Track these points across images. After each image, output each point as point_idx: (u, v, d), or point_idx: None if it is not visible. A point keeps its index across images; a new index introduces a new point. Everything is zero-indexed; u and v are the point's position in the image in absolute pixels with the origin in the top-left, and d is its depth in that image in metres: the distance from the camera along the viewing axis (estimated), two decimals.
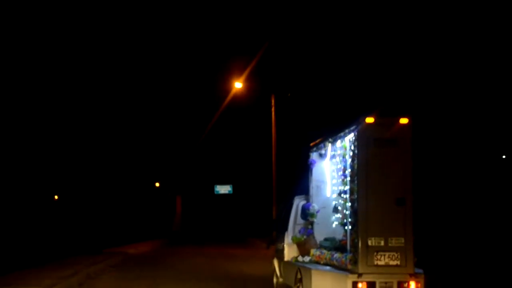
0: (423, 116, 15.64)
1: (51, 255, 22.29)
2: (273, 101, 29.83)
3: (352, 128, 9.66)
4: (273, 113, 29.60)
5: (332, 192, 11.66)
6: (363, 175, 9.28)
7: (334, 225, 11.29)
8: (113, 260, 21.55)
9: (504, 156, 25.12)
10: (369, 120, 9.32)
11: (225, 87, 31.37)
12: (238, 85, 29.03)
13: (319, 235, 11.70)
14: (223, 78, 32.22)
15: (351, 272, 9.20)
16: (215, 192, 49.35)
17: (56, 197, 59.76)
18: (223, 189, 48.99)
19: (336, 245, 10.84)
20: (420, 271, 9.39)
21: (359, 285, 9.07)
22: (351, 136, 9.78)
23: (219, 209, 64.15)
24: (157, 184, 62.25)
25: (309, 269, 9.97)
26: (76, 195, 50.68)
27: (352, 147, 9.61)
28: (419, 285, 9.13)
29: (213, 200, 61.50)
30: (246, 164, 52.53)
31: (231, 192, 49.45)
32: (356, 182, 9.39)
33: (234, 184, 50.15)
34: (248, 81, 28.56)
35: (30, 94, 37.75)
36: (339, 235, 11.04)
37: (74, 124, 42.73)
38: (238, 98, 31.42)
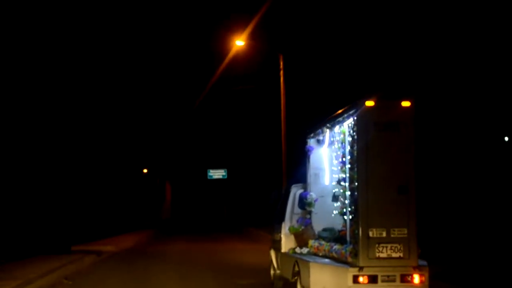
0: (426, 98, 15.06)
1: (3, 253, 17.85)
2: (281, 63, 24.60)
3: (351, 112, 9.08)
4: (281, 78, 24.35)
5: (331, 180, 11.13)
6: (363, 161, 8.72)
7: (333, 215, 10.73)
8: (75, 265, 16.32)
9: (506, 138, 24.56)
10: (369, 103, 8.74)
11: (222, 51, 27.31)
12: (239, 43, 24.48)
13: (318, 225, 11.17)
14: (219, 42, 28.51)
15: (352, 265, 8.67)
16: (208, 177, 45.96)
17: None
18: (217, 173, 45.72)
19: (335, 236, 10.32)
20: (424, 263, 8.86)
21: (360, 279, 8.55)
22: (350, 121, 9.20)
23: (212, 195, 58.70)
24: (145, 170, 56.84)
25: (307, 262, 9.45)
26: (50, 180, 38.82)
27: (352, 132, 9.04)
28: (423, 278, 8.61)
29: (206, 186, 56.39)
30: (242, 146, 46.60)
31: (226, 177, 46.04)
32: (355, 169, 8.83)
33: (229, 168, 46.36)
34: (250, 42, 24.33)
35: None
36: (338, 225, 10.51)
37: (47, 98, 34.60)
38: (235, 67, 28.04)
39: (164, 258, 20.07)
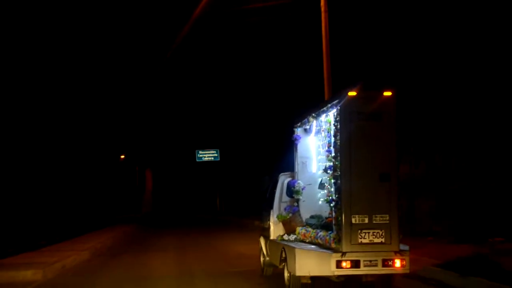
0: (409, 88, 15.27)
1: None
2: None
3: (334, 102, 9.32)
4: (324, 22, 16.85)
5: (318, 168, 11.39)
6: (346, 150, 8.97)
7: (320, 202, 11.04)
8: None
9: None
10: (352, 93, 8.98)
11: None
12: None
13: (306, 213, 11.45)
14: None
15: (335, 251, 8.95)
16: (197, 159, 38.70)
17: None
18: (207, 155, 38.73)
19: (322, 223, 10.58)
20: (406, 248, 9.14)
21: (343, 264, 8.84)
22: (334, 111, 9.44)
23: (202, 182, 49.63)
24: (122, 156, 49.41)
25: (293, 248, 9.72)
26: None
27: (335, 122, 9.28)
28: (404, 262, 8.90)
29: (194, 171, 47.67)
30: (237, 121, 39.07)
31: (218, 158, 38.90)
32: (339, 158, 9.08)
33: (222, 148, 39.19)
34: None
35: None
36: (325, 213, 10.79)
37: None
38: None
39: None
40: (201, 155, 39.08)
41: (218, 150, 39.12)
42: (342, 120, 9.02)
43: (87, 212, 36.06)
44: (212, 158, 39.25)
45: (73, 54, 33.34)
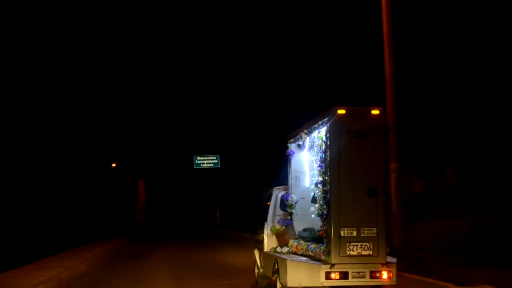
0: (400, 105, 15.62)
1: None
2: None
3: (325, 119, 9.71)
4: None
5: (311, 182, 11.74)
6: (336, 166, 9.35)
7: (313, 216, 11.37)
8: None
9: None
10: (341, 111, 9.38)
11: None
12: None
13: (299, 226, 11.79)
14: None
15: (324, 262, 9.29)
16: (195, 166, 34.88)
17: None
18: (206, 161, 34.95)
19: (315, 236, 10.92)
20: (393, 260, 9.49)
21: (332, 275, 9.18)
22: (325, 128, 9.84)
23: (200, 191, 45.78)
24: (113, 165, 45.39)
25: (285, 260, 10.06)
26: None
27: (325, 139, 9.67)
28: (390, 274, 9.24)
29: (191, 179, 44.14)
30: (239, 124, 36.27)
31: (218, 165, 35.18)
32: (328, 173, 9.45)
33: (222, 154, 35.59)
34: None
35: None
36: (317, 226, 11.10)
37: None
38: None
39: None
40: (199, 162, 35.00)
41: (218, 156, 35.08)
42: (332, 137, 9.41)
43: (74, 224, 32.71)
44: (212, 165, 35.22)
45: (62, 56, 31.21)
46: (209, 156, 35.32)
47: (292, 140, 12.14)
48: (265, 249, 12.19)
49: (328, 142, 9.48)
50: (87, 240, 26.81)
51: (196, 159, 34.98)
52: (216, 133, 38.24)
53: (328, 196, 9.43)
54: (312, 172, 11.67)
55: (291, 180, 12.19)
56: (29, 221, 28.33)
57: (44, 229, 28.24)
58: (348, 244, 9.14)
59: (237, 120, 36.22)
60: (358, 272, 9.18)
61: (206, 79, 35.98)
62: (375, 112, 9.42)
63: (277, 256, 10.92)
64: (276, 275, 10.88)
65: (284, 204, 12.09)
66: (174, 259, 20.38)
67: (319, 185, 10.48)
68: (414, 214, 18.92)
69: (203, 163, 35.11)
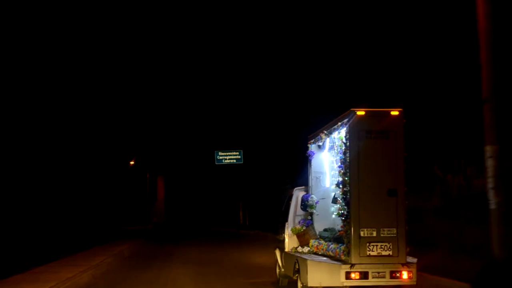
0: (418, 106, 15.48)
1: None
2: None
3: (344, 121, 9.80)
4: None
5: (331, 183, 11.85)
6: (355, 167, 9.43)
7: (333, 216, 11.47)
8: None
9: None
10: (360, 112, 9.47)
11: None
12: None
13: (320, 226, 11.92)
14: None
15: (345, 262, 9.38)
16: (217, 162, 33.14)
17: None
18: (229, 157, 33.11)
19: (335, 236, 11.02)
20: (414, 260, 9.53)
21: (352, 275, 9.27)
22: (345, 129, 9.92)
23: (222, 189, 43.23)
24: (132, 162, 43.57)
25: (305, 260, 10.17)
26: None
27: (345, 140, 9.76)
28: (411, 274, 9.29)
29: (212, 177, 42.17)
30: (261, 121, 33.87)
31: (242, 161, 33.39)
32: (348, 174, 9.54)
33: (246, 149, 33.59)
34: None
35: None
36: (338, 226, 11.20)
37: None
38: None
39: None
40: (221, 157, 33.15)
41: (242, 152, 33.18)
42: (351, 138, 9.50)
43: (89, 223, 31.25)
44: (234, 160, 33.29)
45: (80, 54, 30.65)
46: (231, 152, 33.31)
47: (312, 141, 12.24)
48: (286, 249, 12.32)
49: (348, 143, 9.57)
50: (101, 240, 25.01)
51: (218, 155, 33.19)
52: (238, 128, 36.15)
53: (348, 196, 9.51)
54: (332, 173, 11.78)
55: (312, 181, 12.30)
56: (38, 222, 26.65)
57: (53, 230, 26.41)
58: (368, 244, 9.22)
59: (259, 117, 34.44)
60: (378, 272, 9.26)
61: (228, 74, 35.02)
62: (394, 113, 9.48)
63: (298, 256, 11.04)
64: (297, 275, 11.00)
65: (305, 204, 12.20)
66: (196, 269, 17.15)
67: (340, 185, 10.59)
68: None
69: (225, 159, 33.30)
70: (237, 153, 33.34)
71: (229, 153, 33.36)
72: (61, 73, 29.47)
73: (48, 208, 27.45)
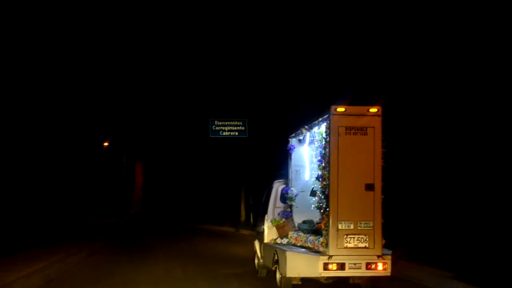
0: (398, 101, 15.77)
1: None
2: None
3: (325, 117, 10.07)
4: None
5: (311, 176, 12.14)
6: (334, 161, 9.71)
7: (312, 208, 11.75)
8: None
9: None
10: (340, 109, 9.74)
11: None
12: None
13: (299, 218, 12.20)
14: None
15: (323, 254, 9.68)
16: (212, 135, 24.36)
17: None
18: (228, 128, 24.28)
19: (313, 228, 11.32)
20: (388, 252, 9.87)
21: (330, 266, 9.57)
22: (325, 124, 10.20)
23: (217, 175, 34.28)
24: (105, 144, 36.17)
25: (284, 251, 10.45)
26: None
27: (325, 135, 10.04)
28: (386, 266, 9.63)
29: (204, 156, 33.07)
30: (269, 79, 26.36)
31: (246, 134, 24.49)
32: (328, 168, 9.82)
33: (250, 119, 24.72)
34: None
35: None
36: (316, 218, 11.50)
37: None
38: None
39: None
40: (218, 128, 24.28)
41: (246, 121, 24.50)
42: (331, 133, 9.77)
43: (47, 216, 25.25)
44: (236, 133, 24.44)
45: (54, 28, 24.68)
46: (232, 121, 24.50)
47: (293, 135, 12.51)
48: (265, 240, 12.59)
49: (328, 138, 9.84)
50: (36, 243, 18.26)
51: (214, 124, 24.27)
52: (241, 91, 27.73)
53: (327, 190, 9.80)
54: (312, 166, 12.06)
55: (292, 174, 12.57)
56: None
57: (17, 219, 21.62)
58: (345, 236, 9.53)
59: (265, 78, 27.24)
60: (355, 264, 9.58)
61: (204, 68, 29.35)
62: (373, 110, 9.77)
63: (277, 247, 11.31)
64: (275, 266, 11.28)
65: (285, 197, 12.48)
66: None
67: (320, 179, 10.88)
68: None
69: (224, 131, 24.38)
70: (240, 123, 24.50)
71: (228, 123, 24.50)
72: (28, 44, 24.14)
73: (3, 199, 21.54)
